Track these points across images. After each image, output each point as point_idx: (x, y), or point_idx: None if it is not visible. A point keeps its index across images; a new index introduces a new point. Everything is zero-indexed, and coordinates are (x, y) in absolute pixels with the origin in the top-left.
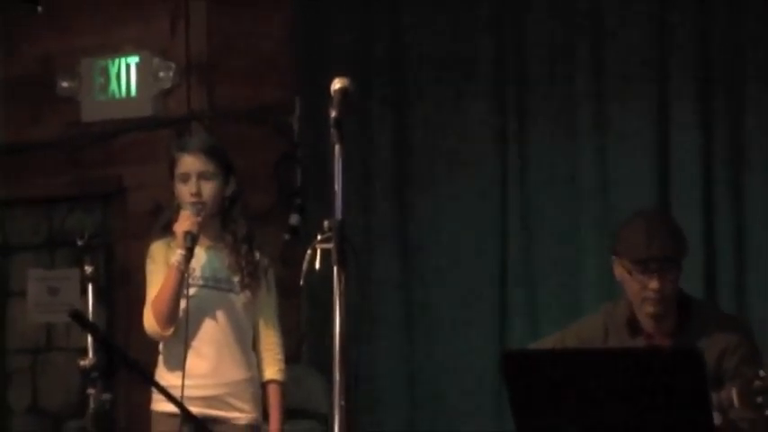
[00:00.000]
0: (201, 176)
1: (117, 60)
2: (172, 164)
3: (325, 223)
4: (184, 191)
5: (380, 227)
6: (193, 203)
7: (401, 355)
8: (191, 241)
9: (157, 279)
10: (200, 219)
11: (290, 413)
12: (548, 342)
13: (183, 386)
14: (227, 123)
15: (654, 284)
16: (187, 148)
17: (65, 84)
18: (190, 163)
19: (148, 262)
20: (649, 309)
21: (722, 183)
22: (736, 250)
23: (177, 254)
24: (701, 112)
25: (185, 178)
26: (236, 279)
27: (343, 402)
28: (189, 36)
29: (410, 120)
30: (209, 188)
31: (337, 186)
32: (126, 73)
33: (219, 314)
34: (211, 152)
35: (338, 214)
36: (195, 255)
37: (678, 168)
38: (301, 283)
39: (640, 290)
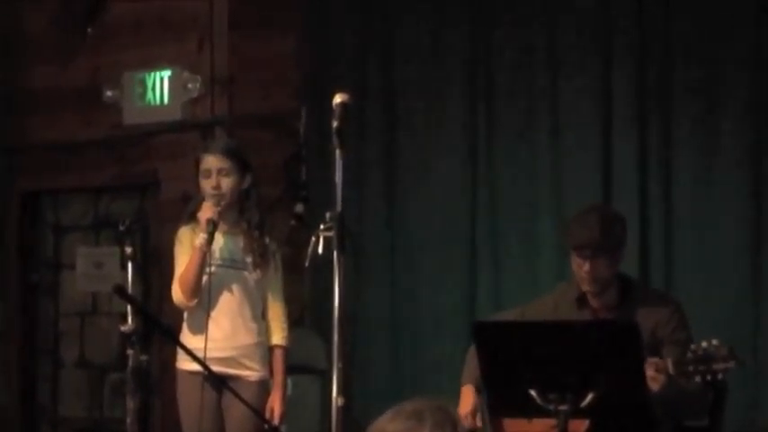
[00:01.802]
0: (220, 173)
1: (153, 74)
2: (197, 162)
3: (327, 215)
4: (206, 185)
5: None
6: (213, 195)
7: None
8: (212, 227)
9: (184, 259)
10: (219, 208)
11: (293, 369)
12: (509, 315)
13: (205, 348)
14: (245, 127)
15: (586, 267)
16: (209, 150)
17: (110, 93)
18: (211, 161)
19: (176, 244)
20: (585, 287)
21: (654, 184)
22: (666, 236)
23: (200, 237)
24: (638, 119)
25: (207, 174)
26: (249, 260)
27: (341, 365)
28: (213, 54)
29: (397, 123)
30: (226, 182)
31: (338, 185)
32: (160, 84)
33: (235, 289)
34: (229, 152)
35: (338, 207)
36: (215, 239)
37: (618, 166)
38: (306, 264)
39: (578, 270)
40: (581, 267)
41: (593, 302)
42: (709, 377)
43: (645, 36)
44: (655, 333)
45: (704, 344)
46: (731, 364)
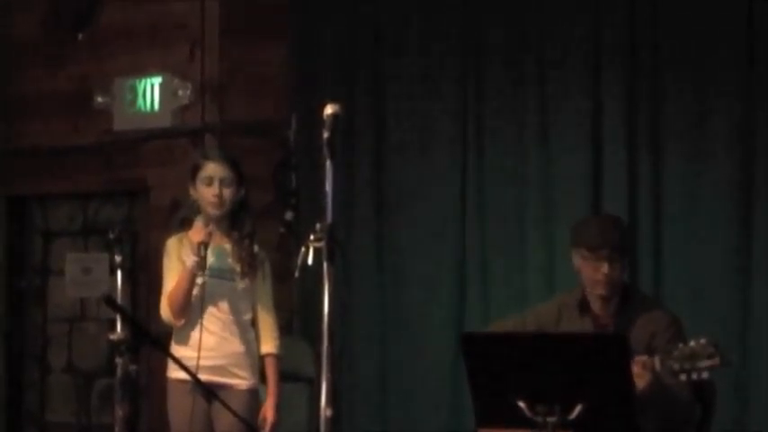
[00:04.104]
0: (223, 182)
1: (143, 80)
2: (196, 168)
3: (317, 225)
4: (207, 192)
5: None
6: (213, 204)
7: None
8: (204, 250)
9: (172, 274)
10: (210, 229)
11: (280, 376)
12: (508, 322)
13: (198, 358)
14: (235, 134)
15: (604, 269)
16: (211, 157)
17: (100, 99)
18: (214, 169)
19: (164, 257)
20: (600, 291)
21: (644, 190)
22: (654, 242)
23: (192, 259)
24: (628, 132)
25: (209, 182)
26: (237, 268)
27: (330, 375)
28: (204, 61)
29: (386, 133)
30: (227, 193)
31: (328, 196)
32: (151, 91)
33: (224, 299)
34: (232, 162)
35: (329, 218)
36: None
37: (608, 173)
38: (296, 275)
39: (593, 273)
40: (597, 270)
41: (596, 308)
42: (694, 375)
43: (634, 40)
44: (651, 343)
45: (692, 342)
46: (716, 362)
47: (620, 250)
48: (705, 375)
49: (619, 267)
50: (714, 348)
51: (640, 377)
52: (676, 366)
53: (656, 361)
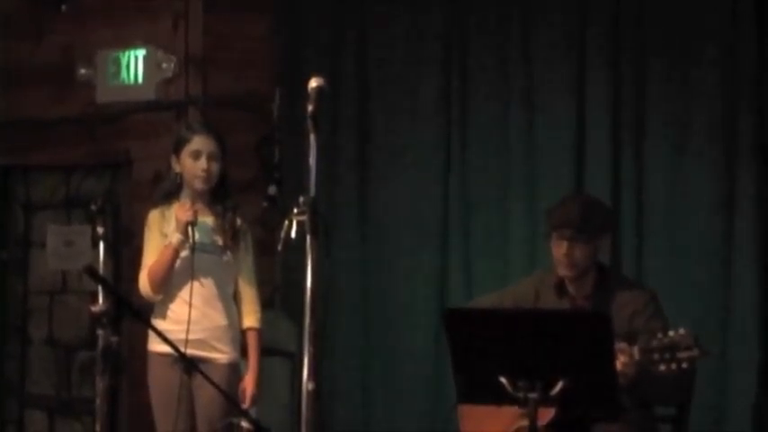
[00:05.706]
0: (211, 156)
1: (127, 52)
2: (181, 141)
3: (300, 199)
4: (195, 166)
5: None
6: (201, 178)
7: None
8: (191, 229)
9: (152, 246)
10: (197, 207)
11: (262, 351)
12: (486, 301)
13: (188, 332)
14: (218, 108)
15: (563, 249)
16: (200, 131)
17: (83, 71)
18: (202, 143)
19: (146, 230)
20: (562, 271)
21: (626, 170)
22: (637, 221)
23: (177, 237)
24: (612, 111)
25: (197, 155)
26: (219, 242)
27: (311, 349)
28: (188, 34)
29: (370, 107)
30: (215, 167)
31: (312, 170)
32: (134, 63)
33: (208, 273)
34: (219, 137)
35: (312, 192)
36: None
37: (591, 148)
38: (279, 248)
39: (556, 252)
40: (559, 249)
41: (571, 290)
42: (674, 366)
43: (619, 23)
44: (631, 322)
45: (671, 332)
46: (695, 353)
47: (583, 231)
48: (684, 366)
49: (581, 249)
50: (693, 340)
51: (622, 368)
52: (656, 356)
53: (636, 350)
